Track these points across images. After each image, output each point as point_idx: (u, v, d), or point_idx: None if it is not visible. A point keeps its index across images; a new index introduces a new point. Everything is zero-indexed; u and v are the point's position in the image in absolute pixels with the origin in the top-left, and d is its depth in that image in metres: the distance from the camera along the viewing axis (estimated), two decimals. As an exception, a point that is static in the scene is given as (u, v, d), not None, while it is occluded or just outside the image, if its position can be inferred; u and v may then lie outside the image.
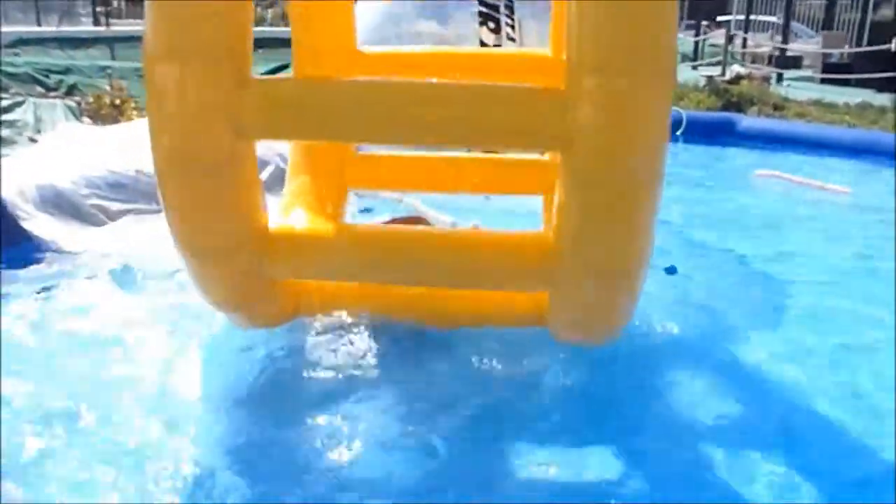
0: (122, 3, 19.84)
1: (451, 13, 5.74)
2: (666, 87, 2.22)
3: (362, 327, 3.08)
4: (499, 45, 5.83)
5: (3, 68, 8.15)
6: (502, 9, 5.58)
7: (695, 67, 14.28)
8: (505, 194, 4.27)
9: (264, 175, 4.52)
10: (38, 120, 6.69)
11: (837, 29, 16.33)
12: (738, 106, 10.17)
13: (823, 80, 13.68)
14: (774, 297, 4.06)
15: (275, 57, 8.52)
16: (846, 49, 14.61)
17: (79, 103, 7.46)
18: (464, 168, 3.77)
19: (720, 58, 13.80)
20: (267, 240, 2.63)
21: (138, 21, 16.58)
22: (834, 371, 3.24)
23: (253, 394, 2.84)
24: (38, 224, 4.14)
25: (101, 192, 4.54)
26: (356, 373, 2.93)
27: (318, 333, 3.11)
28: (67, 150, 5.21)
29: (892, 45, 12.31)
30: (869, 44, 13.97)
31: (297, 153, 3.50)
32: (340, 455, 2.53)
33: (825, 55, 14.69)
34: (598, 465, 2.56)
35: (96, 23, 15.28)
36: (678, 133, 7.93)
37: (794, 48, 16.07)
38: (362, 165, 3.70)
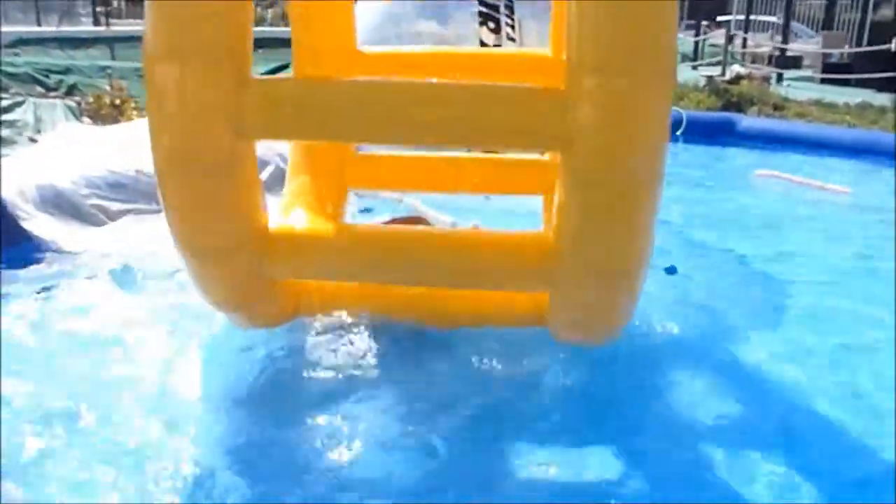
0: (122, 3, 19.84)
1: (451, 13, 5.73)
2: (666, 88, 2.22)
3: (362, 327, 3.08)
4: (499, 45, 5.83)
5: (3, 68, 8.15)
6: (502, 9, 5.58)
7: (695, 67, 14.28)
8: (505, 194, 4.27)
9: (264, 175, 4.52)
10: (38, 120, 6.69)
11: (837, 29, 16.32)
12: (738, 106, 10.16)
13: (823, 80, 13.67)
14: (774, 297, 4.06)
15: (275, 57, 8.52)
16: (846, 49, 14.61)
17: (79, 103, 7.46)
18: (464, 168, 3.77)
19: (720, 58, 13.80)
20: (267, 240, 2.63)
21: (138, 21, 16.60)
22: (833, 371, 3.24)
23: (253, 394, 2.83)
24: (38, 224, 4.14)
25: (101, 192, 4.54)
26: (356, 373, 2.93)
27: (317, 333, 3.11)
28: (67, 150, 5.21)
29: (892, 45, 12.31)
30: (869, 44, 13.97)
31: (297, 153, 3.50)
32: (340, 455, 2.53)
33: (825, 55, 14.69)
34: (598, 464, 2.56)
35: (96, 23, 15.27)
36: (678, 133, 7.92)
37: (794, 48, 16.07)
38: (362, 165, 3.70)
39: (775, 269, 4.47)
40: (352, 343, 3.05)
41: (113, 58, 10.73)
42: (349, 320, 3.07)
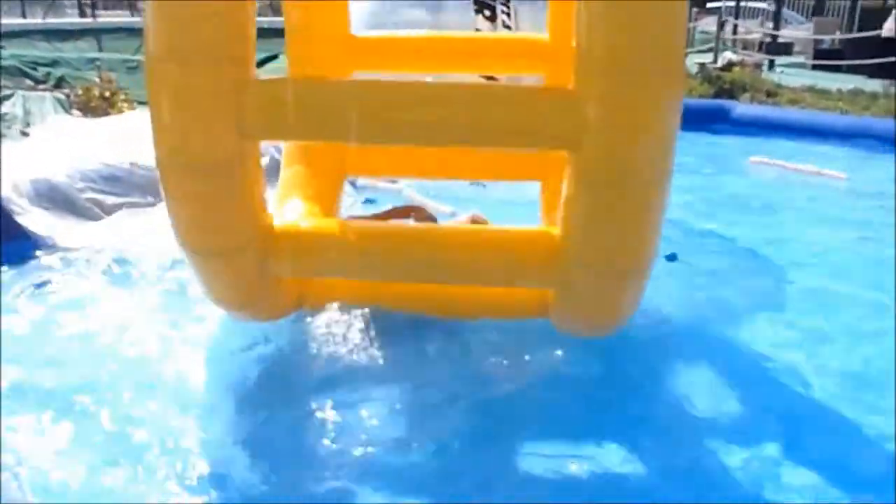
0: (108, -6, 19.59)
1: (444, 2, 5.68)
2: (675, 87, 2.21)
3: (366, 319, 3.05)
4: (494, 33, 5.79)
5: (-10, 61, 8.03)
6: (498, -4, 5.54)
7: (686, 55, 14.24)
8: (503, 180, 4.24)
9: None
10: (27, 113, 6.59)
11: (827, 15, 16.35)
12: (731, 93, 10.16)
13: (815, 67, 13.71)
14: (774, 282, 4.08)
15: (264, 47, 8.42)
16: (837, 35, 14.64)
17: (68, 96, 7.36)
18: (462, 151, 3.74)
19: (712, 45, 13.79)
20: (272, 239, 2.61)
21: (124, 12, 16.43)
22: (838, 356, 3.25)
23: (250, 389, 2.81)
24: (33, 219, 4.08)
25: (95, 186, 4.48)
26: (360, 366, 2.90)
27: (319, 325, 3.09)
28: (60, 144, 5.14)
29: (883, 31, 12.36)
30: (859, 30, 14.00)
31: (292, 142, 3.46)
32: (345, 447, 2.52)
33: (816, 41, 14.72)
34: (605, 456, 2.55)
35: (82, 14, 15.10)
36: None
37: (785, 34, 16.09)
38: (359, 151, 3.64)
39: (774, 254, 4.48)
40: (355, 334, 3.03)
41: (100, 49, 10.58)
42: (353, 312, 3.04)
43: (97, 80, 7.92)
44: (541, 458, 2.55)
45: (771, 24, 15.92)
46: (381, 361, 2.91)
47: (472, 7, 5.25)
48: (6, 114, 6.61)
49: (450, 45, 3.76)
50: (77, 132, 5.63)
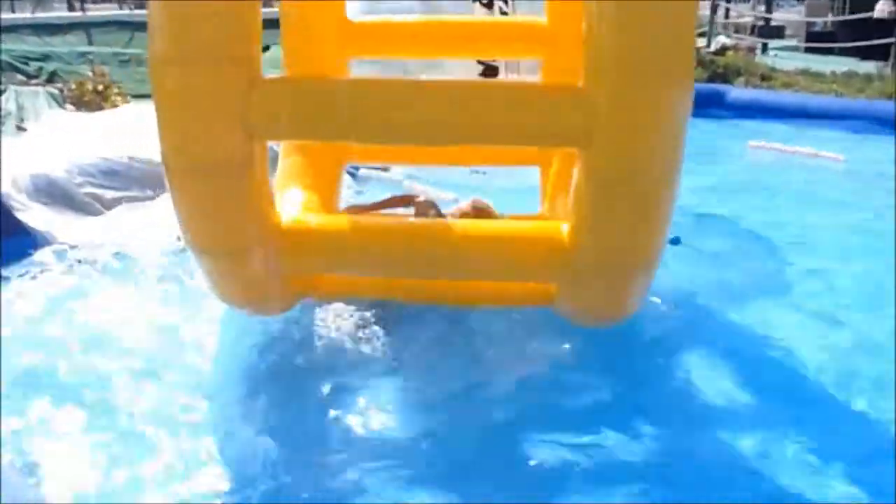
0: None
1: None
2: (685, 84, 2.21)
3: (373, 313, 3.07)
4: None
5: (-19, 57, 7.96)
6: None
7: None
8: (502, 165, 4.21)
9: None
10: (20, 108, 6.53)
11: (819, -3, 16.31)
12: (725, 77, 10.14)
13: (808, 50, 13.68)
14: (777, 264, 4.11)
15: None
16: (829, 18, 14.62)
17: (61, 90, 7.30)
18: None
19: (705, 29, 13.75)
20: (280, 237, 2.60)
21: (113, 5, 16.26)
22: (842, 336, 3.26)
23: (252, 380, 2.82)
24: (32, 215, 4.06)
25: (94, 181, 4.45)
26: (364, 355, 2.92)
27: (322, 316, 3.09)
28: (56, 139, 5.11)
29: (875, 13, 12.33)
30: (851, 12, 13.96)
31: None
32: (352, 436, 2.54)
33: (809, 24, 14.70)
34: (605, 440, 2.56)
35: (71, 8, 14.94)
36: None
37: (777, 17, 16.06)
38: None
39: (776, 236, 4.50)
40: (359, 324, 3.05)
41: (90, 43, 10.50)
42: (361, 305, 3.07)
43: (90, 74, 7.86)
44: (546, 445, 2.55)
45: (763, 7, 15.90)
46: (385, 350, 2.93)
47: (471, -1, 5.20)
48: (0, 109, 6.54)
49: (447, 29, 3.73)
50: (73, 127, 5.60)
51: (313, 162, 3.35)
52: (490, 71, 4.80)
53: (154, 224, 4.14)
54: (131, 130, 5.08)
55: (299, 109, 2.37)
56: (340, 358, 2.89)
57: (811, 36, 14.32)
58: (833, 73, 10.38)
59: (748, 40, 13.76)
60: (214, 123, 2.30)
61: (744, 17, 16.36)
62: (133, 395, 2.69)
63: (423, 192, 4.62)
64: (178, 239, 3.63)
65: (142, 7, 14.93)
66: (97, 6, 16.31)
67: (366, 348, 2.94)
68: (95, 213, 4.39)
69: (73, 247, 3.96)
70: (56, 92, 7.18)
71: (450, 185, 4.92)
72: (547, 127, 2.36)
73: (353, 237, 2.69)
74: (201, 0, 2.21)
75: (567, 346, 2.97)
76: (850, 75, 10.25)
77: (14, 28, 10.52)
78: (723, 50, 11.87)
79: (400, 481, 2.34)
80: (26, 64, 8.32)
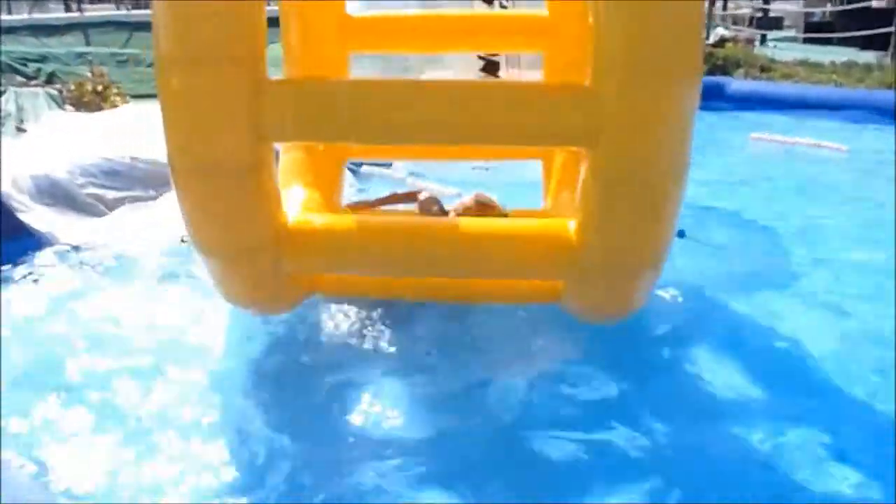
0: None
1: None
2: (692, 82, 2.20)
3: (378, 311, 3.07)
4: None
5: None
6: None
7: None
8: (504, 159, 4.19)
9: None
10: (20, 109, 6.52)
11: (817, -12, 16.29)
12: (724, 69, 10.13)
13: (806, 40, 13.67)
14: (783, 255, 4.10)
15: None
16: (828, 8, 14.60)
17: (60, 91, 7.28)
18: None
19: (703, 21, 13.72)
20: (286, 239, 2.59)
21: (110, 6, 16.22)
22: (847, 325, 3.26)
23: (256, 378, 2.82)
24: (35, 216, 4.04)
25: (96, 181, 4.43)
26: (368, 352, 2.91)
27: (330, 315, 3.09)
28: (57, 140, 5.09)
29: (873, 2, 12.32)
30: (850, 1, 13.95)
31: None
32: (358, 433, 2.53)
33: (807, 14, 14.68)
34: (613, 433, 2.55)
35: (67, 9, 14.91)
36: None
37: (775, 8, 16.03)
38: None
39: (781, 227, 4.49)
40: (363, 320, 3.04)
41: (88, 43, 10.49)
42: (367, 303, 3.07)
43: (89, 74, 7.84)
44: (555, 442, 2.53)
45: (761, -1, 15.88)
46: (392, 349, 2.92)
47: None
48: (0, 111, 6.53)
49: (448, 23, 3.71)
50: (73, 127, 5.58)
51: (315, 158, 3.34)
52: (491, 65, 4.78)
53: (157, 224, 4.13)
54: (131, 130, 5.07)
55: (309, 112, 2.36)
56: (347, 357, 2.89)
57: (810, 26, 14.32)
58: (832, 63, 10.37)
59: (747, 32, 13.75)
60: (220, 124, 2.28)
61: (742, 8, 16.33)
62: (137, 395, 2.69)
63: (426, 188, 4.61)
64: (183, 241, 3.64)
65: (139, 7, 14.93)
66: (94, 6, 16.28)
67: (372, 347, 2.93)
68: (98, 213, 4.38)
69: (75, 247, 3.95)
70: (55, 93, 7.16)
71: (453, 179, 4.91)
72: (554, 127, 2.35)
73: (360, 237, 2.68)
74: (206, 0, 2.19)
75: (573, 341, 2.96)
76: (849, 65, 10.25)
77: (11, 29, 10.51)
78: (721, 42, 11.87)
79: (409, 480, 2.33)
80: (25, 65, 8.31)
